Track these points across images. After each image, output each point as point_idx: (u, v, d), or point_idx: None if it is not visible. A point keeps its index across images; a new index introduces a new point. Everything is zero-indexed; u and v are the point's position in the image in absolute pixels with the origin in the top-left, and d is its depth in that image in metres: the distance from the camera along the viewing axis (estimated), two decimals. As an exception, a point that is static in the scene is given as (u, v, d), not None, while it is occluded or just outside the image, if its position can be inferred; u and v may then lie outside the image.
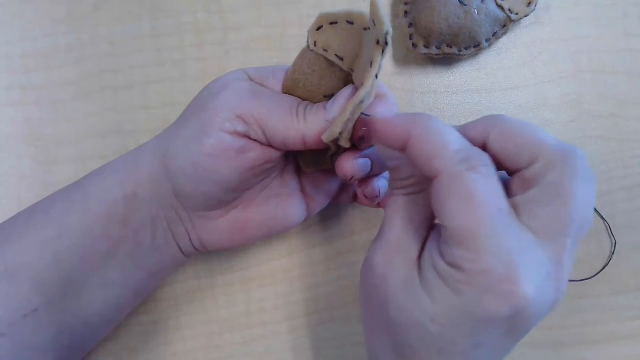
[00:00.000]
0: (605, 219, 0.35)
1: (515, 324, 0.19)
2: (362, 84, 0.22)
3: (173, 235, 0.28)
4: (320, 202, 0.30)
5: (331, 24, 0.24)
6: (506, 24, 0.34)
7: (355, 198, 0.31)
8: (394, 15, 0.35)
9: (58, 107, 0.34)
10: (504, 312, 0.19)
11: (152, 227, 0.27)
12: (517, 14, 0.33)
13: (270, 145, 0.25)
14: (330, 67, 0.25)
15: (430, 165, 0.20)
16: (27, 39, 0.34)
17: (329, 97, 0.26)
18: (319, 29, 0.24)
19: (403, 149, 0.21)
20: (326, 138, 0.24)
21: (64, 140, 0.33)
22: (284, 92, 0.27)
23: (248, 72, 0.27)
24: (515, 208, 0.20)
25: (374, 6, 0.20)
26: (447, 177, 0.20)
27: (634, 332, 0.34)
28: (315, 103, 0.26)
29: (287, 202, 0.29)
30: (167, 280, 0.33)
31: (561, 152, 0.20)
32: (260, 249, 0.34)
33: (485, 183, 0.19)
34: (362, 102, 0.22)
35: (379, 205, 0.29)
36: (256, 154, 0.25)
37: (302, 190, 0.30)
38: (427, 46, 0.33)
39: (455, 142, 0.20)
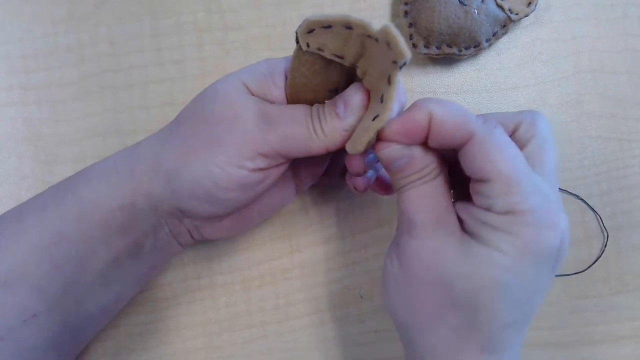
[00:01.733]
0: (606, 218, 0.35)
1: (558, 255, 0.22)
2: (384, 103, 0.22)
3: (174, 236, 0.28)
4: (308, 182, 0.30)
5: (324, 27, 0.22)
6: (506, 24, 0.34)
7: (343, 177, 0.31)
8: (394, 15, 0.35)
9: (58, 107, 0.34)
10: (556, 242, 0.22)
11: (153, 233, 0.27)
12: (517, 14, 0.33)
13: (286, 160, 0.25)
14: (330, 64, 0.24)
15: (465, 129, 0.22)
16: (27, 39, 0.34)
17: (333, 91, 0.25)
18: (310, 31, 0.23)
19: (422, 137, 0.23)
20: (352, 152, 0.24)
21: (64, 140, 0.33)
22: (288, 99, 0.26)
23: (246, 84, 0.25)
24: None
25: (391, 37, 0.20)
26: (481, 135, 0.22)
27: (634, 332, 0.34)
28: (321, 101, 0.25)
29: (278, 185, 0.29)
30: (167, 280, 0.33)
31: (532, 116, 0.24)
32: (260, 248, 0.34)
33: (507, 138, 0.22)
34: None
35: (363, 191, 0.29)
36: (275, 176, 0.25)
37: (292, 171, 0.30)
38: (427, 46, 0.33)
39: (468, 113, 0.23)
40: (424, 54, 0.33)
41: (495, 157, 0.21)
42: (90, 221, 0.25)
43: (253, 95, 0.25)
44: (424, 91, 0.35)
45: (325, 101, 0.26)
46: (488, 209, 0.22)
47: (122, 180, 0.25)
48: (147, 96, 0.34)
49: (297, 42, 0.23)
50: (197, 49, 0.34)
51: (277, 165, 0.25)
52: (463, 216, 0.23)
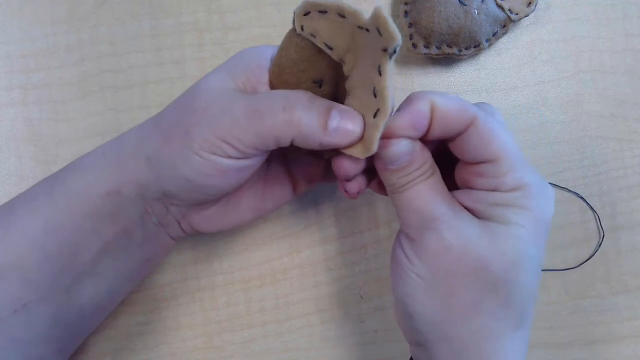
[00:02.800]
0: (606, 219, 0.35)
1: (550, 225, 0.24)
2: (380, 95, 0.22)
3: (163, 226, 0.28)
4: (304, 183, 0.30)
5: (320, 12, 0.22)
6: (506, 24, 0.34)
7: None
8: (394, 15, 0.35)
9: (58, 107, 0.34)
10: (553, 211, 0.23)
11: (142, 222, 0.27)
12: (517, 14, 0.33)
13: (260, 152, 0.24)
14: (319, 54, 0.24)
15: (467, 114, 0.23)
16: (27, 39, 0.34)
17: (317, 82, 0.25)
18: (306, 14, 0.22)
19: (426, 129, 0.23)
20: (365, 155, 0.23)
21: (64, 140, 0.33)
22: (270, 79, 0.25)
23: (235, 80, 0.25)
24: None
25: (381, 19, 0.20)
26: (483, 119, 0.23)
27: (634, 332, 0.34)
28: (303, 88, 0.25)
29: (273, 184, 0.29)
30: (167, 280, 0.33)
31: (486, 108, 0.25)
32: (260, 249, 0.34)
33: (496, 121, 0.24)
34: (391, 113, 0.22)
35: (355, 196, 0.28)
36: (257, 163, 0.25)
37: (288, 173, 0.30)
38: (427, 46, 0.33)
39: (462, 101, 0.23)
40: (424, 54, 0.33)
41: (500, 137, 0.23)
42: (79, 210, 0.25)
43: (237, 86, 0.25)
44: (424, 91, 0.35)
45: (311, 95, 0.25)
46: (495, 189, 0.23)
47: (108, 168, 0.26)
48: (147, 96, 0.34)
49: (293, 23, 0.23)
50: (197, 49, 0.34)
51: (253, 156, 0.24)
52: (468, 203, 0.24)
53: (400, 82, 0.35)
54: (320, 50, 0.24)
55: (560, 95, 0.35)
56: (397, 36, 0.20)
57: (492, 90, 0.35)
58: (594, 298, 0.34)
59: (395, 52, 0.20)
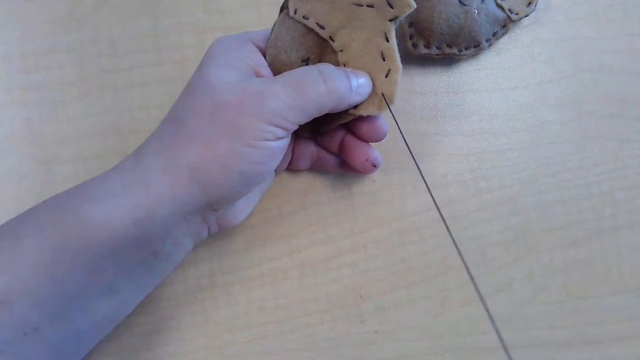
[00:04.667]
0: (606, 219, 0.35)
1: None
2: (391, 56, 0.25)
3: (191, 235, 0.27)
4: (300, 160, 0.33)
5: None
6: (506, 24, 0.34)
7: (342, 168, 0.33)
8: (394, 15, 0.35)
9: (58, 107, 0.34)
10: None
11: (171, 238, 0.26)
12: (517, 14, 0.33)
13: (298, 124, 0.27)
14: (308, 33, 0.26)
15: None
16: (27, 39, 0.34)
17: (305, 61, 0.27)
18: None
19: None
20: (381, 110, 0.27)
21: (64, 140, 0.33)
22: (268, 61, 0.27)
23: (238, 69, 0.26)
24: None
25: None
26: None
27: (634, 332, 0.34)
28: (294, 68, 0.27)
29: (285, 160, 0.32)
30: (167, 281, 0.33)
31: None
32: (260, 249, 0.34)
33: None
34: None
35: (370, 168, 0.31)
36: (288, 140, 0.27)
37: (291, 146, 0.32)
38: (427, 46, 0.33)
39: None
40: (424, 54, 0.33)
41: None
42: (96, 241, 0.24)
43: (244, 74, 0.26)
44: (424, 91, 0.35)
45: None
46: None
47: (136, 197, 0.24)
48: (147, 96, 0.34)
49: (284, 7, 0.25)
50: (197, 49, 0.34)
51: (292, 132, 0.26)
52: None
53: (401, 82, 0.35)
54: (309, 30, 0.26)
55: (560, 95, 0.36)
56: (413, 4, 0.23)
57: (492, 90, 0.35)
58: (594, 298, 0.34)
59: (399, 20, 0.24)
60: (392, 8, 0.23)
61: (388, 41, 0.25)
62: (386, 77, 0.26)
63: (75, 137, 0.33)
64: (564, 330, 0.34)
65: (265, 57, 0.28)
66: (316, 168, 0.34)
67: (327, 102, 0.26)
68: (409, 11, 0.23)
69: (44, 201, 0.26)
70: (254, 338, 0.33)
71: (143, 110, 0.34)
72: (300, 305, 0.34)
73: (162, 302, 0.33)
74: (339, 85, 0.26)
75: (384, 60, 0.25)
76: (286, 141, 0.26)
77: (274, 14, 0.35)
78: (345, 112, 0.28)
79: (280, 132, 0.25)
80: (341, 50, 0.26)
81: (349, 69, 0.26)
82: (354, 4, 0.24)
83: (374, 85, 0.27)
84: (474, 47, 0.33)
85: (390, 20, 0.24)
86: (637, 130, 0.35)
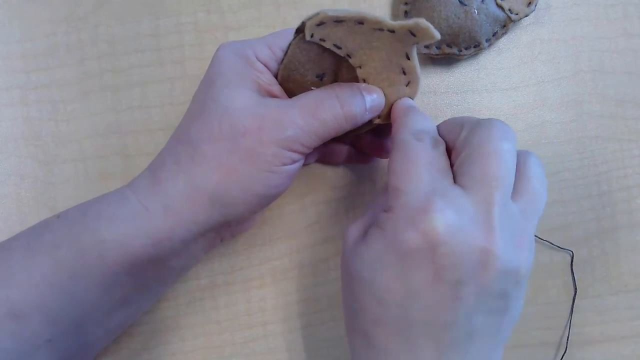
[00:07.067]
0: (606, 219, 0.35)
1: (438, 264, 0.21)
2: (412, 70, 0.26)
3: (205, 248, 0.28)
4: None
5: (335, 21, 0.24)
6: (506, 24, 0.34)
7: (347, 161, 0.33)
8: (394, 16, 0.35)
9: (58, 107, 0.34)
10: (419, 243, 0.21)
11: (187, 252, 0.27)
12: (517, 14, 0.33)
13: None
14: (324, 52, 0.25)
15: (393, 135, 0.25)
16: (27, 39, 0.34)
17: (319, 76, 0.27)
18: (320, 24, 0.24)
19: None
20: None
21: (64, 140, 0.33)
22: (279, 80, 0.27)
23: (251, 90, 0.26)
24: (453, 174, 0.23)
25: (423, 28, 0.23)
26: (397, 142, 0.24)
27: (634, 332, 0.34)
28: (308, 83, 0.27)
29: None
30: (167, 280, 0.33)
31: (479, 120, 0.24)
32: (260, 249, 0.34)
33: (423, 147, 0.23)
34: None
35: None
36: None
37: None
38: (427, 46, 0.33)
39: (419, 124, 0.24)
40: (424, 54, 0.33)
41: (395, 162, 0.23)
42: (114, 260, 0.24)
43: (258, 95, 0.26)
44: (424, 91, 0.35)
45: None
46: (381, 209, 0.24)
47: (155, 220, 0.25)
48: (147, 96, 0.34)
49: (299, 30, 0.24)
50: (197, 49, 0.34)
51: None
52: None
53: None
54: (325, 49, 0.25)
55: (560, 95, 0.35)
56: (437, 35, 0.23)
57: (492, 90, 0.35)
58: (594, 298, 0.34)
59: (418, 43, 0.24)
60: (415, 36, 0.23)
61: (409, 59, 0.25)
62: (406, 86, 0.26)
63: (75, 137, 0.34)
64: (564, 330, 0.34)
65: (275, 76, 0.27)
66: (324, 160, 0.33)
67: (344, 127, 0.26)
68: (432, 41, 0.23)
69: (57, 216, 0.26)
70: (254, 338, 0.33)
71: (143, 110, 0.34)
72: (300, 305, 0.34)
73: (162, 302, 0.33)
74: (356, 110, 0.26)
75: (404, 74, 0.26)
76: (301, 162, 0.27)
77: (274, 14, 0.35)
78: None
79: (296, 157, 0.26)
80: (359, 67, 0.26)
81: (362, 85, 0.26)
82: (374, 28, 0.24)
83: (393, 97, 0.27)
84: (474, 47, 0.33)
85: (412, 44, 0.24)
86: (637, 130, 0.35)
